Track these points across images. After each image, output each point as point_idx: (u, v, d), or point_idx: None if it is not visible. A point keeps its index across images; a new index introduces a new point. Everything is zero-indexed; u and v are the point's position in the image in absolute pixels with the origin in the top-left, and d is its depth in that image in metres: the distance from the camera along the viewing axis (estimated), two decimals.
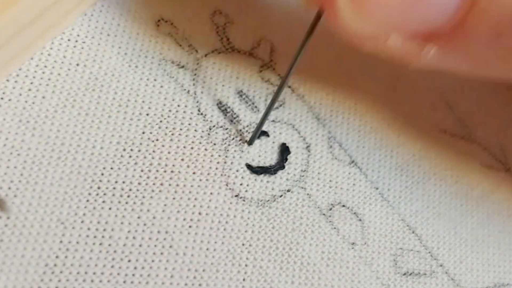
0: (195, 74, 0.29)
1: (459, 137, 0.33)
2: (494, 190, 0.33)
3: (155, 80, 0.29)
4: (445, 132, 0.33)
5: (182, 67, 0.29)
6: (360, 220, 0.30)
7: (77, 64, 0.28)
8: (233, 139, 0.29)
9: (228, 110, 0.29)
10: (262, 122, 0.29)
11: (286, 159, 0.29)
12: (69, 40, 0.28)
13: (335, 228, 0.29)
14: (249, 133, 0.29)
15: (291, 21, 0.32)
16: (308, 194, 0.29)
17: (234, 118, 0.29)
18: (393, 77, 0.33)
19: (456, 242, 0.31)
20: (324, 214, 0.29)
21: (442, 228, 0.31)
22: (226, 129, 0.29)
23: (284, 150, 0.30)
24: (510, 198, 0.33)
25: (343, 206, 0.30)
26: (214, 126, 0.29)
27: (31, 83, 0.27)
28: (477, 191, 0.32)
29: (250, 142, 0.29)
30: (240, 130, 0.29)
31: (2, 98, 0.26)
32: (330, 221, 0.29)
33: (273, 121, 0.30)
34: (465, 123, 0.34)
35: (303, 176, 0.30)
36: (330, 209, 0.29)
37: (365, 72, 0.32)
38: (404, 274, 0.30)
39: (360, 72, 0.32)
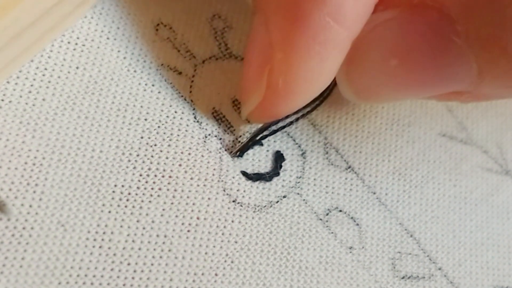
0: (192, 81, 0.29)
1: (458, 140, 0.33)
2: (493, 193, 0.33)
3: (153, 85, 0.28)
4: (444, 135, 0.33)
5: (180, 73, 0.29)
6: (357, 224, 0.30)
7: (77, 67, 0.28)
8: (225, 150, 0.29)
9: (223, 119, 0.29)
10: (250, 140, 0.29)
11: (281, 166, 0.29)
12: (69, 42, 0.28)
13: (332, 232, 0.29)
14: (241, 143, 0.29)
15: None
16: (304, 199, 0.29)
17: (228, 128, 0.29)
18: None
19: (455, 245, 0.31)
20: (321, 219, 0.29)
21: (440, 232, 0.31)
22: (220, 139, 0.29)
23: (278, 158, 0.30)
24: (509, 201, 0.33)
25: (340, 211, 0.30)
26: (209, 134, 0.29)
27: (31, 85, 0.27)
28: (475, 194, 0.32)
29: (240, 155, 0.29)
30: (233, 141, 0.29)
31: (2, 100, 0.26)
32: (327, 226, 0.29)
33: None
34: (464, 126, 0.33)
35: (298, 182, 0.30)
36: (327, 214, 0.29)
37: None
38: (403, 277, 0.30)
39: None
